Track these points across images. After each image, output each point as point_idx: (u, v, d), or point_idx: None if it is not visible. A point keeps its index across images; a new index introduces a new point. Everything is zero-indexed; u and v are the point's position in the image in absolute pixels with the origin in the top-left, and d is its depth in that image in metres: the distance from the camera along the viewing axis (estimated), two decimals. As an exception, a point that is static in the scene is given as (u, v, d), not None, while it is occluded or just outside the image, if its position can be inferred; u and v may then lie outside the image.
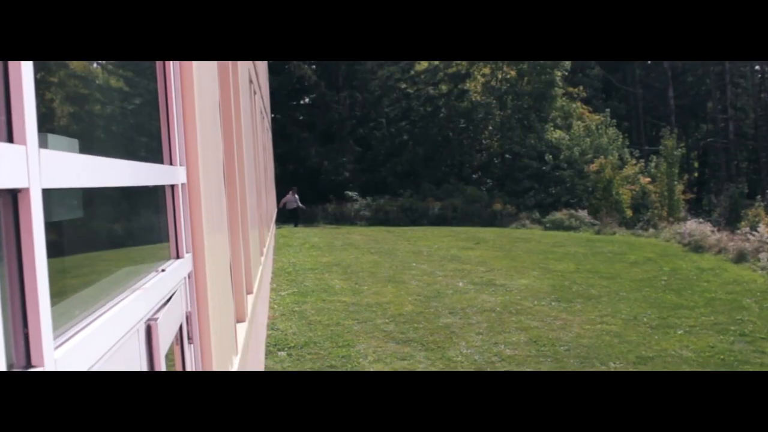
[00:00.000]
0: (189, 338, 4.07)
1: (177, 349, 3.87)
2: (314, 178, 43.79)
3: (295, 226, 37.07)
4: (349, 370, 12.55)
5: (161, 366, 3.06)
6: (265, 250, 15.84)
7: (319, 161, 44.32)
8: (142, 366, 2.83)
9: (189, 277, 4.26)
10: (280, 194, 37.10)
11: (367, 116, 47.11)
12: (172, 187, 3.99)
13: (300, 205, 38.78)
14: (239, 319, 7.94)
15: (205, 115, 4.79)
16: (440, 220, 39.22)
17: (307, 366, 12.81)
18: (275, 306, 17.44)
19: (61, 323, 1.97)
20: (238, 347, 6.85)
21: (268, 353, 13.58)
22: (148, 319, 2.99)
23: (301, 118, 46.71)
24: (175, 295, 3.69)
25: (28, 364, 1.70)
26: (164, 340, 3.19)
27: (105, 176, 2.46)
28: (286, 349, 13.87)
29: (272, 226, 24.56)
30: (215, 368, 4.46)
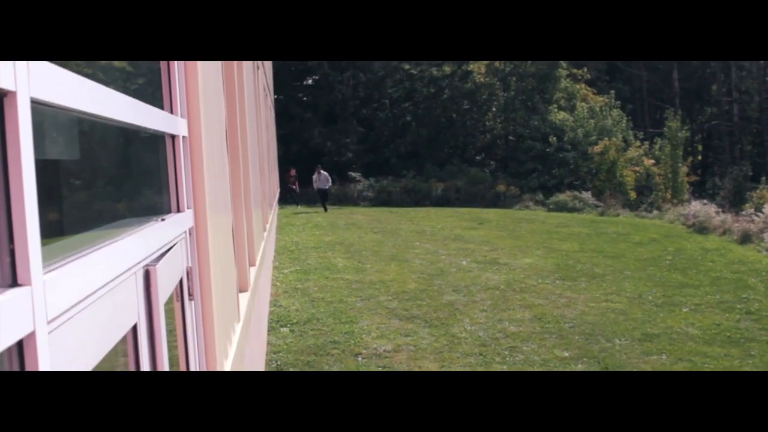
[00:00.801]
0: (190, 294, 3.96)
1: (177, 305, 3.77)
2: (317, 159, 43.61)
3: (325, 210, 34.37)
4: (351, 346, 12.46)
5: (160, 315, 2.95)
6: (267, 226, 15.73)
7: (322, 142, 44.17)
8: (140, 313, 2.72)
9: (190, 234, 4.15)
10: (283, 175, 36.87)
11: (371, 97, 46.93)
12: (173, 138, 3.87)
13: (330, 184, 36.61)
14: (242, 289, 7.83)
15: (207, 70, 4.68)
16: (443, 201, 39.09)
17: (310, 342, 12.71)
18: (278, 283, 17.34)
19: (53, 254, 1.85)
20: (241, 315, 6.75)
21: (271, 329, 13.49)
22: (147, 265, 2.88)
23: (304, 98, 46.52)
24: (175, 248, 3.58)
25: (14, 282, 1.58)
26: (163, 289, 3.08)
27: (101, 105, 2.33)
28: (288, 325, 13.79)
29: (275, 205, 24.45)
30: (216, 327, 4.35)
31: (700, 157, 58.58)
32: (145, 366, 2.75)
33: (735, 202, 36.44)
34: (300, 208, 36.38)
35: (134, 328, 2.65)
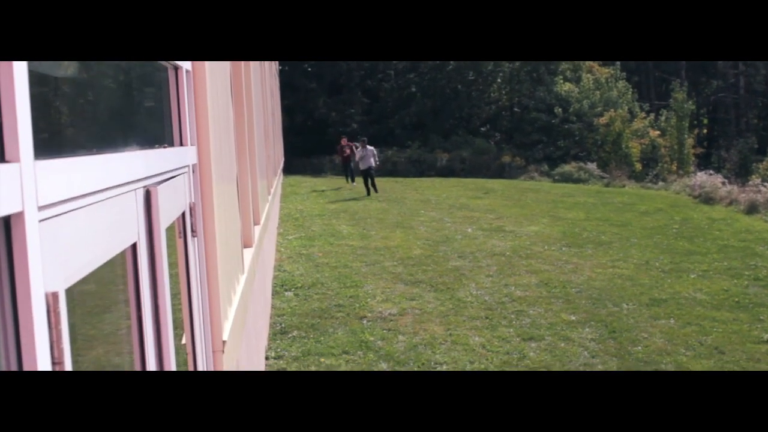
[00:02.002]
0: (193, 231, 3.84)
1: (180, 242, 3.66)
2: (322, 130, 43.46)
3: (368, 193, 27.83)
4: (356, 309, 12.36)
5: (161, 239, 2.83)
6: (272, 190, 15.63)
7: (326, 112, 43.99)
8: (140, 233, 2.60)
9: (194, 171, 4.03)
10: (288, 146, 36.59)
11: (375, 68, 46.69)
12: (176, 70, 3.75)
13: (377, 163, 29.51)
14: (246, 245, 7.73)
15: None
16: (448, 172, 38.90)
17: (315, 305, 12.62)
18: (282, 249, 17.24)
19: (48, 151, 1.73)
20: (245, 268, 6.64)
21: (275, 293, 13.40)
22: (148, 185, 2.76)
23: (308, 69, 46.27)
24: (177, 178, 3.47)
25: (2, 158, 1.47)
26: (165, 214, 2.96)
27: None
28: (293, 289, 13.69)
29: (279, 173, 24.33)
30: (219, 264, 4.24)
31: (705, 130, 58.30)
32: (146, 292, 2.64)
33: (741, 174, 36.28)
34: (351, 184, 31.28)
35: (134, 248, 2.54)
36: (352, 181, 31.49)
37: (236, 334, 5.09)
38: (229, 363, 4.58)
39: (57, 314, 1.63)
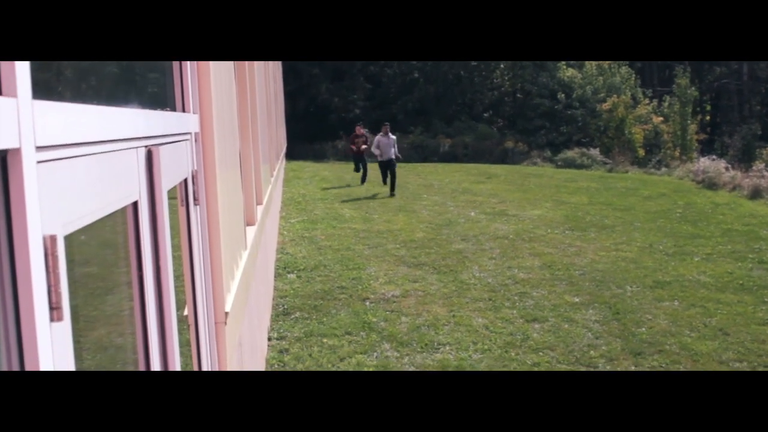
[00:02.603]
0: (195, 199, 3.80)
1: (182, 210, 3.61)
2: (324, 115, 43.40)
3: (392, 192, 23.66)
4: (359, 291, 12.32)
5: (162, 199, 2.79)
6: (275, 173, 15.58)
7: (329, 98, 43.89)
8: (141, 192, 2.56)
9: (196, 140, 3.99)
10: (291, 132, 36.44)
11: (378, 53, 46.50)
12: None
13: (398, 154, 25.00)
14: (249, 223, 7.69)
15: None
16: (450, 158, 38.83)
17: (317, 287, 12.58)
18: (285, 232, 17.21)
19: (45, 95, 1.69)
20: (247, 244, 6.60)
21: (278, 275, 13.36)
22: (150, 145, 2.72)
23: (311, 54, 46.11)
24: (180, 144, 3.42)
25: (-1, 92, 1.44)
26: (166, 177, 2.92)
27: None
28: (295, 271, 13.65)
29: (282, 157, 24.27)
30: (222, 233, 4.20)
31: (708, 117, 58.18)
32: (147, 253, 2.60)
33: (744, 160, 36.18)
34: (361, 183, 26.54)
35: (135, 207, 2.50)
36: (363, 179, 26.47)
37: (238, 307, 5.06)
38: (231, 336, 4.55)
39: (55, 258, 1.59)
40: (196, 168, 3.85)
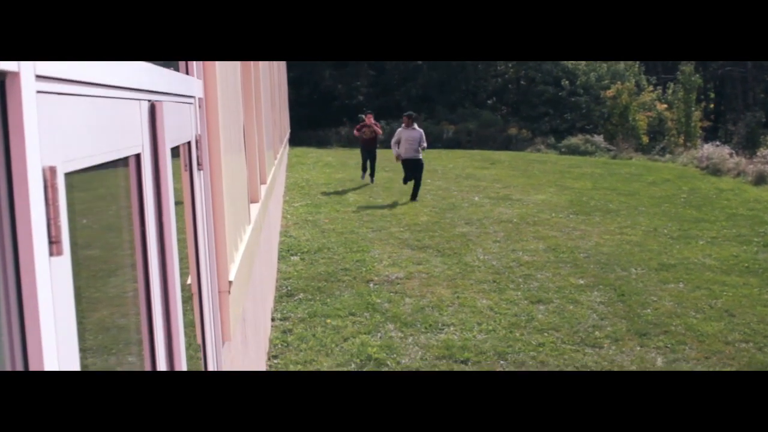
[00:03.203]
0: (199, 164, 3.75)
1: (186, 175, 3.56)
2: (328, 102, 43.31)
3: (415, 196, 19.49)
4: (363, 273, 12.28)
5: (166, 154, 2.74)
6: (278, 156, 15.54)
7: (332, 84, 43.79)
8: (144, 146, 2.51)
9: (200, 105, 3.94)
10: (294, 118, 36.28)
11: (381, 40, 46.40)
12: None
13: (424, 147, 20.09)
14: (253, 200, 7.64)
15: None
16: (454, 144, 38.72)
17: (321, 269, 12.54)
18: (288, 216, 17.17)
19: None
20: (251, 219, 6.56)
21: (281, 258, 13.32)
22: (154, 100, 2.67)
23: (314, 40, 46.04)
24: (184, 106, 3.37)
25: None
26: (170, 134, 2.87)
27: None
28: (299, 254, 13.61)
29: (285, 141, 24.23)
30: (226, 200, 4.15)
31: (712, 105, 58.04)
32: (150, 209, 2.55)
33: (748, 146, 36.08)
34: (369, 179, 23.06)
35: (138, 160, 2.45)
36: (371, 175, 22.90)
37: (242, 278, 5.02)
38: (235, 306, 4.50)
39: (54, 189, 1.54)
40: (199, 133, 3.81)
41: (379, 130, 23.57)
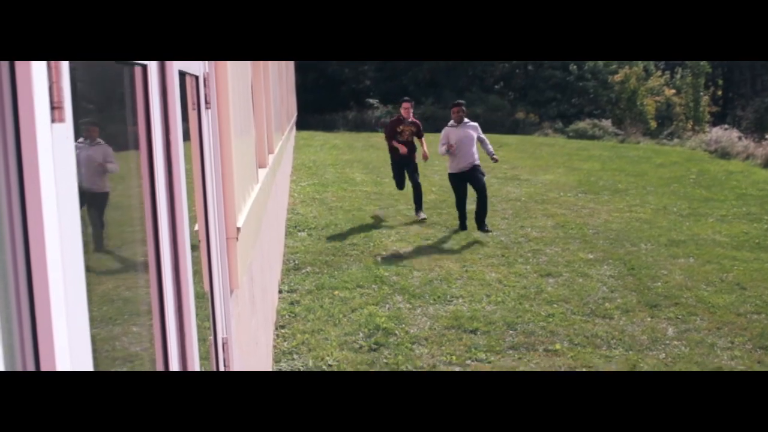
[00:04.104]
0: (206, 102, 3.67)
1: (193, 114, 3.49)
2: (335, 87, 43.19)
3: (482, 229, 13.27)
4: (371, 248, 12.21)
5: (173, 74, 2.66)
6: (285, 133, 15.45)
7: (339, 69, 43.66)
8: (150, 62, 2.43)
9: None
10: (301, 103, 36.13)
11: (388, 24, 46.26)
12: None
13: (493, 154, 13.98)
14: (261, 165, 7.57)
15: None
16: (462, 128, 38.53)
17: (328, 244, 12.47)
18: (295, 194, 17.10)
19: None
20: (258, 179, 6.49)
21: (288, 234, 13.25)
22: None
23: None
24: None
25: None
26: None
27: None
28: (306, 230, 13.54)
29: (292, 123, 24.16)
30: (233, 139, 4.08)
31: (720, 92, 57.84)
32: (156, 120, 2.48)
33: (757, 131, 35.92)
34: (419, 215, 14.91)
35: (144, 72, 2.38)
36: (417, 202, 14.91)
37: (250, 229, 4.95)
38: (243, 254, 4.43)
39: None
40: (207, 71, 3.73)
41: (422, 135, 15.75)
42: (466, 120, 13.71)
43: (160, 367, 2.52)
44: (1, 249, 1.32)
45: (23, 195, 1.37)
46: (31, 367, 1.37)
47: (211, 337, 3.73)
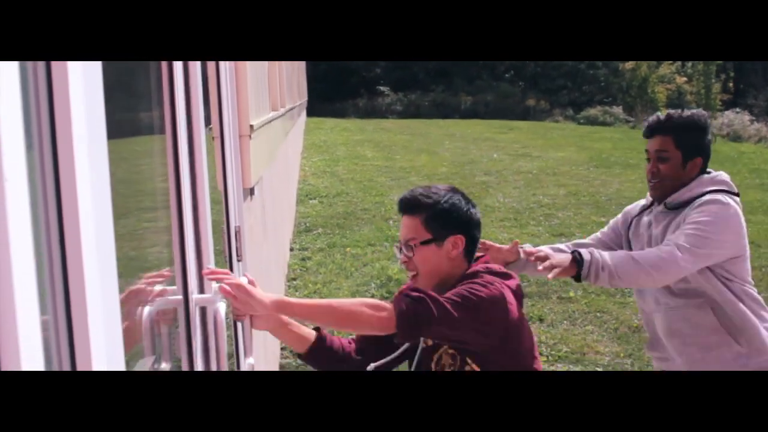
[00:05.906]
0: None
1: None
2: (345, 75, 43.14)
3: None
4: (382, 212, 12.16)
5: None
6: (296, 107, 15.40)
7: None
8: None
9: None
10: (311, 92, 35.99)
11: (399, 13, 46.27)
12: None
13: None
14: (273, 107, 7.53)
15: None
16: (472, 114, 38.45)
17: (340, 210, 12.44)
18: (306, 168, 17.06)
19: None
20: (269, 108, 6.45)
21: (300, 202, 13.22)
22: None
23: (331, 15, 45.91)
24: None
25: None
26: None
27: None
28: (317, 198, 13.53)
29: (303, 105, 24.13)
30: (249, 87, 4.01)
31: (731, 84, 57.68)
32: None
33: (769, 117, 35.84)
34: None
35: None
36: None
37: (263, 137, 4.91)
38: (256, 152, 4.39)
39: None
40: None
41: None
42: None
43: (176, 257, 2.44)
44: (39, 249, 1.24)
45: (58, 190, 1.29)
46: (67, 367, 1.33)
47: (224, 226, 3.69)
